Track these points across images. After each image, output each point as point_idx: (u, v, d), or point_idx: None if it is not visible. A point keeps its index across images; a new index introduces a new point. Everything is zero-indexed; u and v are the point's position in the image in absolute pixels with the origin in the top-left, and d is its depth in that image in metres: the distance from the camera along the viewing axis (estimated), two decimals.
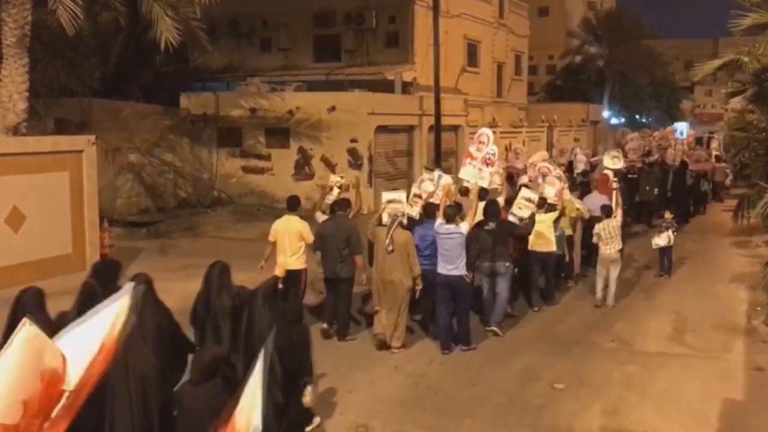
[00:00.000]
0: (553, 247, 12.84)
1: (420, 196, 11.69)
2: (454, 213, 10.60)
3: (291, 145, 23.97)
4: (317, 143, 23.54)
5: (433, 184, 12.15)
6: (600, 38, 53.31)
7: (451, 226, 10.39)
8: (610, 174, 15.38)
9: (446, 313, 10.45)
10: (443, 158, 25.35)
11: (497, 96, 39.95)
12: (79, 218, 13.89)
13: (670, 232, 14.96)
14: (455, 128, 29.09)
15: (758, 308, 12.87)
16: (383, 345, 10.45)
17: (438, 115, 24.20)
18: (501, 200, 12.75)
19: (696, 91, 73.37)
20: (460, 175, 12.58)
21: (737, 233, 19.58)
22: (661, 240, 15.00)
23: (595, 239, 13.20)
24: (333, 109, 23.23)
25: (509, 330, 11.89)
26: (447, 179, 12.42)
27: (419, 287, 10.37)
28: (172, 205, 23.07)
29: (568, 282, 14.53)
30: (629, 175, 19.17)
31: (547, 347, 11.17)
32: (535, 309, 12.73)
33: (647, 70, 54.28)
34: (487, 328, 11.40)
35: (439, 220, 10.51)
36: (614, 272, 13.22)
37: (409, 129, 26.20)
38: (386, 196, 11.15)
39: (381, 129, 24.11)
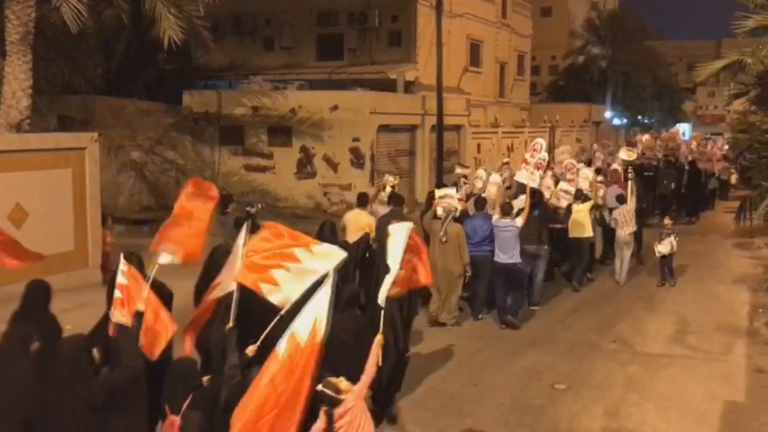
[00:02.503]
0: (589, 233, 14.49)
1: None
2: (510, 208, 12.05)
3: (293, 144, 23.97)
4: (319, 142, 23.55)
5: (482, 181, 14.13)
6: (603, 39, 53.23)
7: (508, 220, 11.82)
8: (620, 170, 17.08)
9: (503, 293, 11.97)
10: (445, 158, 25.36)
11: (500, 96, 39.94)
12: (81, 216, 13.88)
13: (672, 238, 14.69)
14: (457, 128, 29.08)
15: (760, 310, 12.89)
16: (435, 322, 11.67)
17: (440, 115, 24.20)
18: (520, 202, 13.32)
19: (698, 93, 73.29)
20: (516, 178, 13.92)
21: (739, 235, 19.57)
22: (663, 247, 14.72)
23: (612, 223, 15.04)
24: (335, 108, 23.23)
25: (511, 331, 11.91)
26: (496, 178, 14.11)
27: (468, 273, 11.71)
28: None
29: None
30: (645, 173, 20.36)
31: (549, 348, 11.18)
32: (534, 308, 13.15)
33: (650, 71, 54.23)
34: (531, 308, 12.95)
35: (497, 215, 11.96)
36: (627, 252, 15.08)
37: (412, 128, 26.20)
38: (439, 192, 12.36)
39: (383, 128, 24.11)
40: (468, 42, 35.27)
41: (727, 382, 9.93)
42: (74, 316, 7.88)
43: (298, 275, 5.99)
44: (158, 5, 14.69)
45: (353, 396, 5.60)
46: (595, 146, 25.13)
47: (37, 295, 6.58)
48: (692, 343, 11.59)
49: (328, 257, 6.03)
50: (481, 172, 15.07)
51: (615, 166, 18.32)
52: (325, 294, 5.69)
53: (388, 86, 27.24)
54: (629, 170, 16.19)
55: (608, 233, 15.77)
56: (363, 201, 12.46)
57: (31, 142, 13.41)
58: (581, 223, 14.28)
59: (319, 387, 5.57)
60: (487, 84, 38.07)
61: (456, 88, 32.08)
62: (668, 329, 12.28)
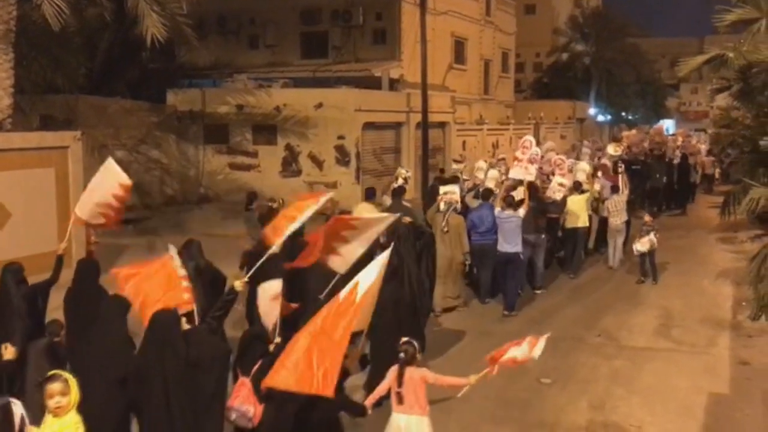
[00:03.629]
0: (584, 223, 15.56)
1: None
2: (512, 200, 12.84)
3: (278, 142, 23.90)
4: (304, 140, 23.49)
5: (483, 172, 15.45)
6: (587, 36, 53.46)
7: (510, 212, 12.58)
8: (608, 164, 18.44)
9: (505, 281, 12.77)
10: (431, 155, 25.36)
11: (484, 93, 40.02)
12: (65, 215, 13.76)
13: (651, 235, 14.53)
14: (442, 125, 29.10)
15: (743, 303, 12.97)
16: (444, 308, 12.46)
17: (425, 112, 24.18)
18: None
19: (682, 89, 73.74)
20: (510, 175, 14.79)
21: (723, 229, 19.71)
22: (642, 246, 14.57)
23: (605, 213, 16.08)
24: (320, 105, 23.19)
25: (497, 326, 11.95)
26: (494, 173, 15.39)
27: (468, 261, 12.63)
28: (159, 202, 22.94)
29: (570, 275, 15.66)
30: (633, 167, 21.00)
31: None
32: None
33: (633, 67, 54.53)
34: (535, 291, 14.00)
35: (499, 208, 12.73)
36: (620, 240, 16.12)
37: (397, 126, 26.20)
38: (443, 188, 13.30)
39: (368, 126, 24.09)
40: (452, 39, 35.31)
41: (711, 374, 10.01)
42: (59, 316, 7.81)
43: (358, 242, 7.66)
44: (141, 3, 14.57)
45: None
46: (585, 143, 26.44)
47: (90, 271, 7.99)
48: (677, 337, 11.67)
49: (379, 221, 7.88)
50: (481, 163, 16.54)
51: (604, 160, 19.40)
52: (378, 262, 6.31)
53: (373, 84, 27.21)
54: (619, 164, 17.51)
55: (602, 223, 16.77)
56: (370, 194, 13.71)
57: (14, 141, 13.30)
58: (576, 213, 15.27)
59: (405, 339, 6.65)
60: (472, 81, 38.13)
61: (441, 86, 32.11)
62: (653, 323, 12.36)
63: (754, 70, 12.93)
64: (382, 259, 6.34)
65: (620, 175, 16.81)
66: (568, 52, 53.70)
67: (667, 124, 57.89)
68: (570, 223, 15.38)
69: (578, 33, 53.82)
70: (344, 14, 30.36)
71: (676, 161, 24.88)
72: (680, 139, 30.52)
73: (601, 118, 55.17)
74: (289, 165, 23.80)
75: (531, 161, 14.07)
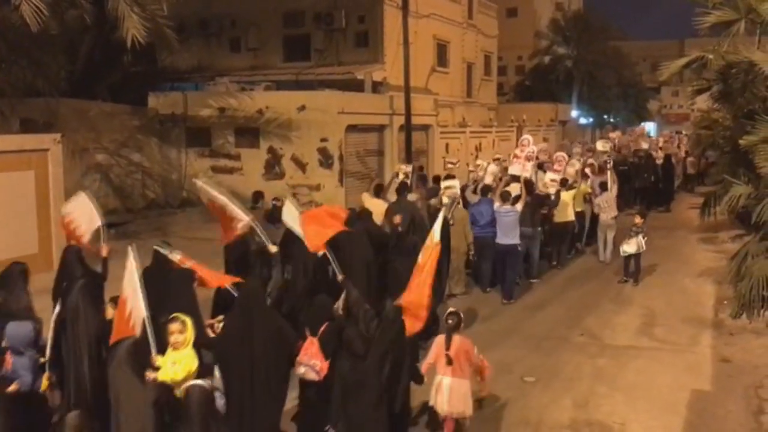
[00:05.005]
0: (572, 217, 16.41)
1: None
2: (509, 195, 13.61)
3: (261, 145, 23.80)
4: (287, 143, 23.41)
5: (483, 170, 16.37)
6: (568, 39, 53.64)
7: (508, 206, 13.40)
8: (596, 164, 19.40)
9: (503, 271, 13.54)
10: (414, 157, 25.36)
11: (467, 96, 40.08)
12: (45, 218, 13.70)
13: (639, 237, 14.59)
14: (425, 128, 29.08)
15: (725, 302, 13.06)
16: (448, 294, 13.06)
17: (408, 115, 24.19)
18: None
19: (663, 92, 74.16)
20: (510, 171, 16.08)
21: (704, 230, 19.85)
22: (629, 247, 14.68)
23: (596, 209, 16.97)
24: (303, 108, 23.12)
25: (480, 324, 11.97)
26: (493, 168, 16.40)
27: (472, 252, 13.46)
28: (141, 205, 22.79)
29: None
30: (620, 167, 22.03)
31: (518, 341, 11.25)
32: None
33: (615, 70, 54.74)
34: (531, 281, 14.92)
35: (498, 202, 13.49)
36: (610, 235, 16.72)
37: (380, 128, 26.17)
38: (444, 183, 14.33)
39: (351, 128, 24.05)
40: (435, 42, 35.34)
41: (693, 372, 10.08)
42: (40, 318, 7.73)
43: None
44: (121, 4, 14.53)
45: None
46: (576, 143, 28.89)
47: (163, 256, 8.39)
48: (659, 335, 11.74)
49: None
50: (481, 162, 17.70)
51: (591, 160, 20.34)
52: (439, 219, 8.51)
53: (356, 87, 27.19)
54: (608, 162, 18.52)
55: (592, 219, 17.68)
56: (378, 191, 14.54)
57: None
58: (564, 208, 16.12)
59: (451, 310, 7.76)
60: (455, 84, 38.19)
61: (424, 89, 32.13)
62: (636, 322, 12.43)
63: (733, 71, 13.01)
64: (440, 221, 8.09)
65: (609, 172, 17.62)
66: (550, 55, 53.88)
67: (649, 127, 58.26)
68: (558, 218, 16.06)
69: (560, 36, 54.01)
70: (326, 17, 30.29)
71: (659, 161, 26.19)
72: (661, 140, 32.36)
73: (583, 120, 55.41)
74: (272, 168, 23.71)
75: (528, 159, 15.48)
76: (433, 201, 14.58)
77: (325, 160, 23.06)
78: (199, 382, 5.53)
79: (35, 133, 16.83)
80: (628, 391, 9.35)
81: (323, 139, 23.01)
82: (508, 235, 13.38)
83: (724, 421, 8.55)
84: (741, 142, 11.55)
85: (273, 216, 11.85)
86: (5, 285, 7.77)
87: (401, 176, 15.54)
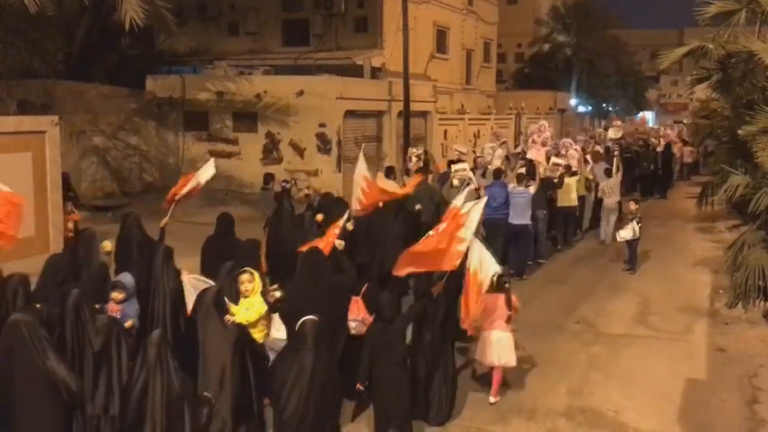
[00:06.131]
0: (575, 202, 16.97)
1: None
2: (524, 177, 14.46)
3: (259, 129, 23.74)
4: (285, 127, 23.36)
5: (491, 154, 17.37)
6: (568, 27, 53.49)
7: (522, 188, 14.13)
8: (602, 150, 20.39)
9: (515, 250, 14.10)
10: (412, 144, 25.32)
11: (466, 83, 39.99)
12: (42, 200, 13.60)
13: (634, 223, 14.67)
14: (424, 114, 29.04)
15: (720, 291, 13.11)
16: None
17: (407, 101, 24.15)
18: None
19: (662, 81, 74.11)
20: (528, 155, 16.94)
21: (701, 219, 19.87)
22: (625, 233, 14.78)
23: (600, 194, 17.64)
24: (301, 93, 23.05)
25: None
26: (500, 152, 17.35)
27: (483, 233, 13.01)
28: (138, 189, 22.76)
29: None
30: (624, 154, 22.51)
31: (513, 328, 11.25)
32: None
33: (614, 59, 54.67)
34: (539, 261, 15.41)
35: (512, 184, 14.25)
36: (612, 218, 17.29)
37: (378, 114, 26.11)
38: (455, 167, 14.81)
39: (350, 114, 23.99)
40: (434, 28, 35.24)
41: (688, 360, 10.11)
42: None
43: None
44: None
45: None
46: (581, 131, 31.27)
47: (227, 222, 10.38)
48: (655, 324, 11.77)
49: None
50: (488, 147, 18.62)
51: (597, 147, 21.21)
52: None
53: (355, 72, 27.09)
54: (615, 149, 19.40)
55: (596, 203, 18.31)
56: (389, 172, 14.85)
57: None
58: (568, 193, 16.67)
59: (500, 272, 8.41)
60: (454, 71, 38.10)
61: (423, 75, 32.06)
62: (631, 310, 12.46)
63: (732, 60, 13.01)
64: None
65: (615, 158, 18.41)
66: (550, 43, 53.75)
67: (648, 116, 58.23)
68: (562, 202, 16.57)
69: (560, 24, 53.86)
70: (326, 2, 30.16)
71: (659, 149, 26.82)
72: (663, 129, 33.72)
73: (581, 108, 55.34)
74: (270, 152, 23.65)
75: (543, 144, 16.51)
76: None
77: (323, 145, 23.01)
78: (311, 317, 6.44)
79: (32, 114, 16.76)
80: (623, 379, 9.38)
81: (321, 125, 22.95)
82: (521, 216, 13.99)
83: (718, 409, 8.59)
84: (739, 132, 11.57)
85: (281, 198, 13.04)
86: (83, 248, 9.47)
87: (414, 159, 16.02)
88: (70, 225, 13.85)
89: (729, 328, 11.45)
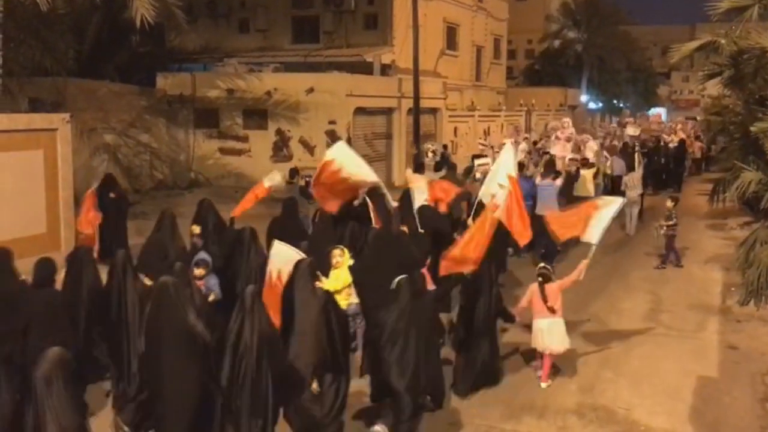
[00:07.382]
0: (591, 193, 16.92)
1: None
2: (552, 170, 15.23)
3: (269, 127, 23.81)
4: (295, 125, 23.41)
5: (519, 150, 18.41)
6: (578, 23, 53.28)
7: (548, 181, 14.82)
8: (617, 144, 21.44)
9: (541, 240, 13.73)
10: (422, 141, 25.30)
11: (476, 80, 39.93)
12: (53, 198, 13.67)
13: (673, 220, 15.10)
14: (434, 111, 29.04)
15: (732, 289, 13.02)
16: None
17: (417, 98, 24.15)
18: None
19: (673, 77, 73.81)
20: (552, 150, 18.16)
21: (713, 216, 19.75)
22: (662, 230, 15.26)
23: (623, 186, 18.20)
24: (311, 90, 23.09)
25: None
26: (524, 146, 18.52)
27: None
28: (149, 186, 22.84)
29: None
30: (642, 150, 22.94)
31: (524, 325, 11.22)
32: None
33: (625, 55, 54.45)
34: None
35: (539, 177, 15.01)
36: (635, 210, 18.17)
37: (388, 111, 26.13)
38: (478, 161, 15.59)
39: (359, 111, 24.02)
40: (444, 25, 35.19)
41: (699, 358, 10.06)
42: None
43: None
44: None
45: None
46: (599, 126, 33.27)
47: (293, 207, 11.93)
48: (666, 321, 11.72)
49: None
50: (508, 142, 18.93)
51: (615, 142, 22.28)
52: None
53: (365, 69, 27.11)
54: (635, 145, 20.46)
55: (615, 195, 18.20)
56: (418, 167, 15.66)
57: (2, 122, 13.16)
58: (585, 184, 17.30)
59: (542, 265, 9.29)
60: (464, 67, 38.04)
61: (432, 72, 32.03)
62: (643, 308, 12.41)
63: (745, 56, 12.89)
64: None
65: (636, 154, 19.26)
66: (560, 39, 53.57)
67: (660, 112, 57.93)
68: (578, 192, 17.04)
69: (570, 20, 53.64)
70: None
71: (672, 145, 27.84)
72: (679, 125, 34.47)
73: (592, 105, 55.15)
74: (280, 150, 23.71)
75: (568, 139, 17.48)
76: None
77: (333, 142, 22.89)
78: (404, 276, 7.60)
79: (43, 112, 16.82)
80: (634, 377, 9.34)
81: (331, 122, 22.99)
82: (547, 207, 14.05)
83: (730, 407, 8.55)
84: (752, 128, 11.46)
85: (306, 191, 13.87)
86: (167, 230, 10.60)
87: (430, 155, 16.72)
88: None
89: (741, 326, 11.39)
